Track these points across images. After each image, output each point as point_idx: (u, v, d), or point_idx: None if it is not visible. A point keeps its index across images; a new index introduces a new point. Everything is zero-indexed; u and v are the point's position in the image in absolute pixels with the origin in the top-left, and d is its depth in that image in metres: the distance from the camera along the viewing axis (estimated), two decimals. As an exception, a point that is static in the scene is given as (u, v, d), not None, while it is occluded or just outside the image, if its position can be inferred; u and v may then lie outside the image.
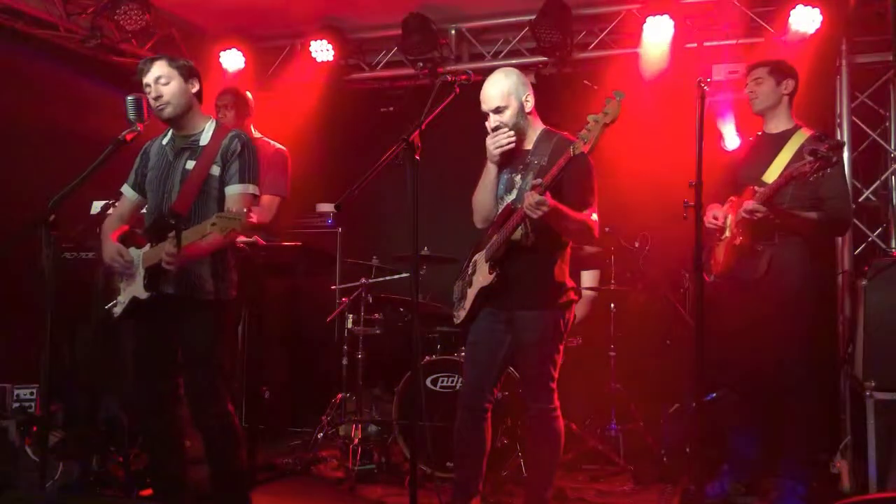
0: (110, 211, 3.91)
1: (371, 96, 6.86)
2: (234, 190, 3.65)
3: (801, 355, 4.16)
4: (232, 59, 6.39)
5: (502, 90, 3.61)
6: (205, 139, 3.70)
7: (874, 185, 5.27)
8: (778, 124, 4.32)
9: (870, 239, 5.23)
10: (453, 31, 6.20)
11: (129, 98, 3.64)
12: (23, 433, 4.45)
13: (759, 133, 4.42)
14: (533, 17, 5.78)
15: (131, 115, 3.63)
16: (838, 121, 5.28)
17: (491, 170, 3.72)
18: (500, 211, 3.69)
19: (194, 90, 3.72)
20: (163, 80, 3.64)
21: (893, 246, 5.15)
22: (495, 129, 3.64)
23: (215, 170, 3.66)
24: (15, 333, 4.88)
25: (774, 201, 3.98)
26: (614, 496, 4.73)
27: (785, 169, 4.02)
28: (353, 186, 3.13)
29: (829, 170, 3.76)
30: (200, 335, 3.63)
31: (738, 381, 4.40)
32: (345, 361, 5.61)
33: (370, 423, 5.41)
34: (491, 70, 3.75)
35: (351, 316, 5.58)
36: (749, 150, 4.42)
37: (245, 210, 3.27)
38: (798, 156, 4.05)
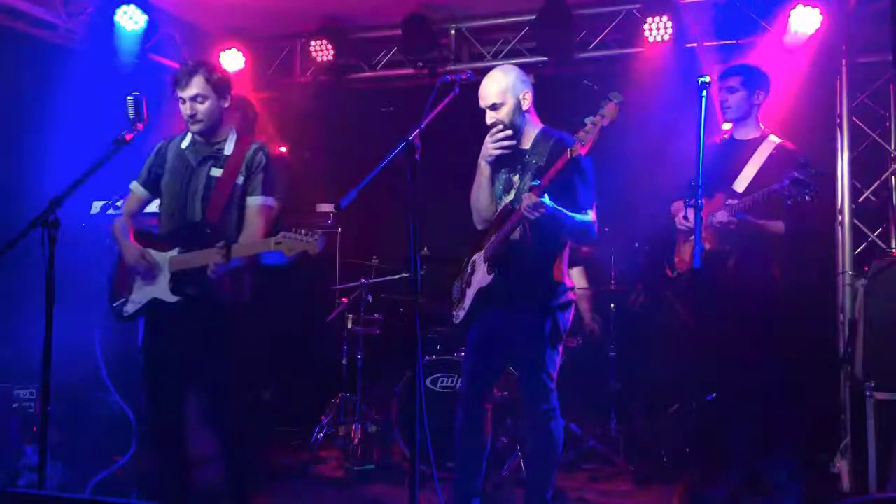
0: (110, 211, 3.92)
1: (371, 96, 6.85)
2: (255, 201, 3.74)
3: (777, 354, 4.24)
4: (232, 59, 6.38)
5: (500, 86, 3.61)
6: (228, 148, 3.78)
7: (874, 186, 5.26)
8: (747, 132, 4.42)
9: (870, 239, 5.22)
10: (453, 31, 6.19)
11: (128, 97, 3.63)
12: (23, 433, 4.45)
13: (726, 137, 4.48)
14: (533, 17, 5.78)
15: (131, 114, 3.63)
16: (838, 121, 5.26)
17: (484, 169, 3.71)
18: (498, 211, 3.69)
19: (226, 105, 3.77)
20: (199, 99, 3.69)
21: (893, 246, 5.14)
22: (492, 125, 3.63)
23: (240, 179, 3.74)
24: (15, 333, 4.87)
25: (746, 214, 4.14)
26: (614, 496, 4.74)
27: (761, 180, 4.14)
28: (355, 188, 3.12)
29: (807, 198, 3.85)
30: (220, 337, 3.70)
31: (730, 380, 4.45)
32: (345, 361, 5.61)
33: (370, 423, 5.41)
34: (491, 70, 3.74)
35: (351, 316, 5.58)
36: (717, 154, 4.44)
37: (317, 236, 3.35)
38: (768, 165, 4.16)
